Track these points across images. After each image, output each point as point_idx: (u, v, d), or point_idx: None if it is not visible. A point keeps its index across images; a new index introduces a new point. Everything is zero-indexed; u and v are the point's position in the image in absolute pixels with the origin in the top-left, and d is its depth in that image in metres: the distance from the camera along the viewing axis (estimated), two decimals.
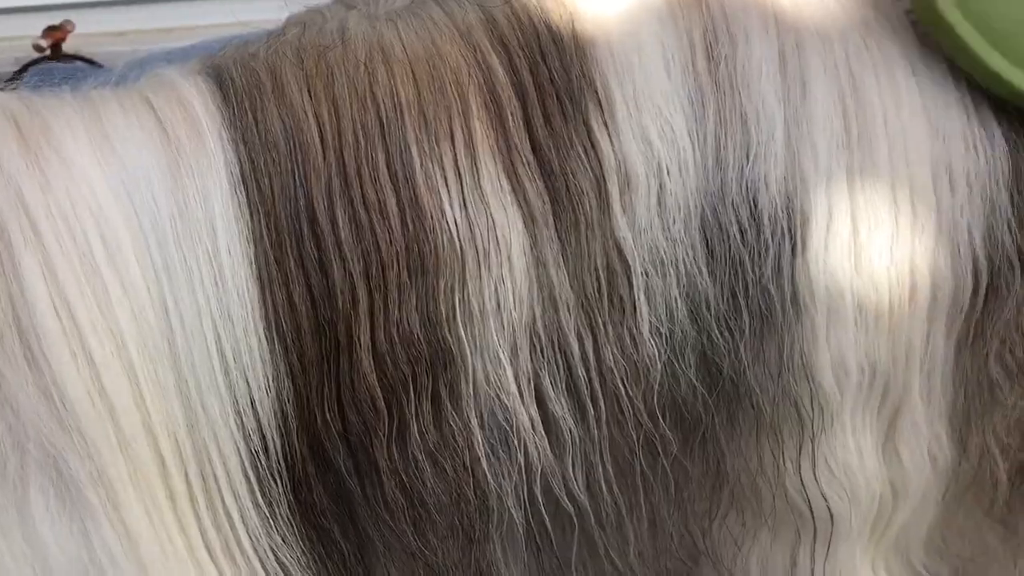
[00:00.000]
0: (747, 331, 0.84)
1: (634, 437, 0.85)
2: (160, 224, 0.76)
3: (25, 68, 1.43)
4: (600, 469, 0.86)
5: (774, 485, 0.90)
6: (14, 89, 0.87)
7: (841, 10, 0.84)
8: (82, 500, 0.74)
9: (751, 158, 0.83)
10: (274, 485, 0.79)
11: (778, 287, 0.84)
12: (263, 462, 0.78)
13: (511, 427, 0.82)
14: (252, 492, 0.78)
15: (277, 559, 0.79)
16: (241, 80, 0.81)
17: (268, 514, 0.79)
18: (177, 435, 0.76)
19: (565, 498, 0.85)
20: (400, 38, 0.82)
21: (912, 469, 0.88)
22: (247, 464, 0.78)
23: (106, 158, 0.78)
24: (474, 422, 0.82)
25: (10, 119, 0.79)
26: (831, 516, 0.90)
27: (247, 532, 0.78)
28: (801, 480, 0.89)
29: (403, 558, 0.83)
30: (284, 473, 0.79)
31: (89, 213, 0.76)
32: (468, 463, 0.82)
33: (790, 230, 0.83)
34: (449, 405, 0.81)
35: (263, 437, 0.78)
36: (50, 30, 1.46)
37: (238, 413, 0.77)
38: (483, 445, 0.82)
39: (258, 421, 0.78)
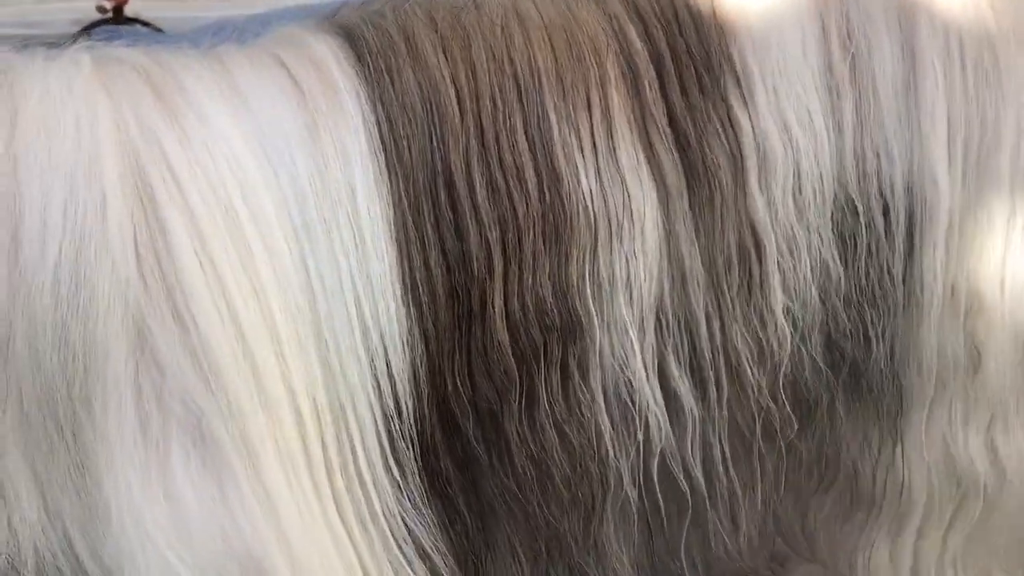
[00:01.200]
0: (871, 317, 0.85)
1: (754, 418, 0.85)
2: (299, 183, 0.76)
3: (86, 30, 1.41)
4: (718, 449, 0.86)
5: (875, 467, 0.91)
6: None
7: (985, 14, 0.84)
8: (223, 460, 0.73)
9: (883, 154, 0.83)
10: (406, 451, 0.78)
11: (902, 279, 0.85)
12: (396, 427, 0.78)
13: (633, 402, 0.82)
14: (385, 457, 0.78)
15: (406, 525, 0.78)
16: (375, 40, 0.80)
17: (399, 479, 0.78)
18: (316, 397, 0.75)
19: (682, 477, 0.85)
20: (535, 3, 0.82)
21: (1015, 464, 0.89)
22: (381, 428, 0.77)
23: (241, 115, 0.77)
24: (600, 395, 0.82)
25: (142, 74, 0.78)
26: (928, 500, 0.91)
27: (379, 497, 0.78)
28: (901, 464, 0.90)
29: (525, 529, 0.82)
30: (415, 439, 0.78)
31: (229, 170, 0.75)
32: (593, 436, 0.82)
33: (918, 226, 0.84)
34: (577, 376, 0.81)
35: (397, 401, 0.77)
36: None
37: (375, 376, 0.77)
38: (607, 419, 0.82)
39: (393, 385, 0.77)
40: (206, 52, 0.82)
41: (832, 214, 0.83)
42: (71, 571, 0.71)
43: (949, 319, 0.85)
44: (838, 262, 0.83)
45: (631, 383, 0.81)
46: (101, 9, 1.46)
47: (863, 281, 0.84)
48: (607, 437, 0.81)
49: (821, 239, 0.82)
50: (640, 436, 0.82)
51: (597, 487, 0.82)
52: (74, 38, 1.42)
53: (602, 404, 0.81)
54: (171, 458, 0.72)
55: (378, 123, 0.77)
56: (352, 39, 0.80)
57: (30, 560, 0.70)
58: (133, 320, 0.71)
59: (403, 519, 0.78)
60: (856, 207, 0.83)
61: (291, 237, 0.75)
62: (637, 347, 0.80)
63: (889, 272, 0.85)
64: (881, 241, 0.84)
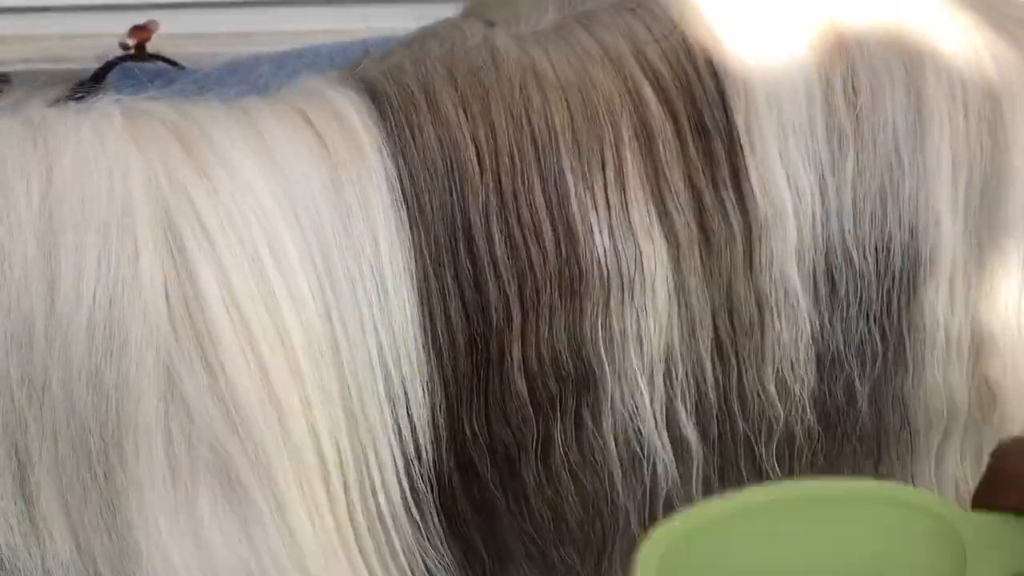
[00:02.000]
0: (868, 370, 0.88)
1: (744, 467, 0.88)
2: (323, 234, 0.78)
3: (110, 66, 1.44)
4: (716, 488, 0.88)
5: None
6: (91, 89, 0.88)
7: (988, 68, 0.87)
8: (249, 502, 0.76)
9: (885, 203, 0.86)
10: (425, 493, 0.81)
11: (906, 322, 0.87)
12: (416, 470, 0.80)
13: (642, 448, 0.85)
14: (404, 499, 0.80)
15: (426, 564, 0.81)
16: (396, 96, 0.83)
17: (419, 521, 0.81)
18: (339, 439, 0.78)
19: None
20: (552, 64, 0.84)
21: None
22: (401, 471, 0.80)
23: (267, 167, 0.79)
24: (611, 442, 0.84)
25: (171, 128, 0.80)
26: None
27: (399, 536, 0.81)
28: None
29: (541, 567, 0.85)
30: (434, 482, 0.81)
31: (256, 220, 0.78)
32: (605, 480, 0.84)
33: (922, 270, 0.87)
34: (591, 424, 0.83)
35: (417, 445, 0.80)
36: (136, 29, 1.47)
37: (395, 420, 0.79)
38: (618, 464, 0.85)
39: (413, 429, 0.80)
40: (232, 105, 0.84)
41: (829, 270, 0.85)
42: None
43: (956, 361, 0.88)
44: (837, 320, 0.86)
45: (640, 431, 0.84)
46: (124, 46, 1.50)
47: (862, 335, 0.86)
48: (618, 481, 0.84)
49: (822, 296, 0.85)
50: (647, 479, 0.85)
51: (609, 527, 0.85)
52: (97, 73, 1.46)
53: (614, 450, 0.84)
54: (199, 500, 0.75)
55: (400, 178, 0.80)
56: (374, 94, 0.83)
57: None
58: (164, 366, 0.74)
59: (423, 559, 0.81)
60: (864, 255, 0.86)
61: (315, 286, 0.78)
62: (647, 397, 0.83)
63: (892, 316, 0.87)
64: (885, 285, 0.86)
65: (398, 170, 0.80)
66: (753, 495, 0.75)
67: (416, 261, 0.80)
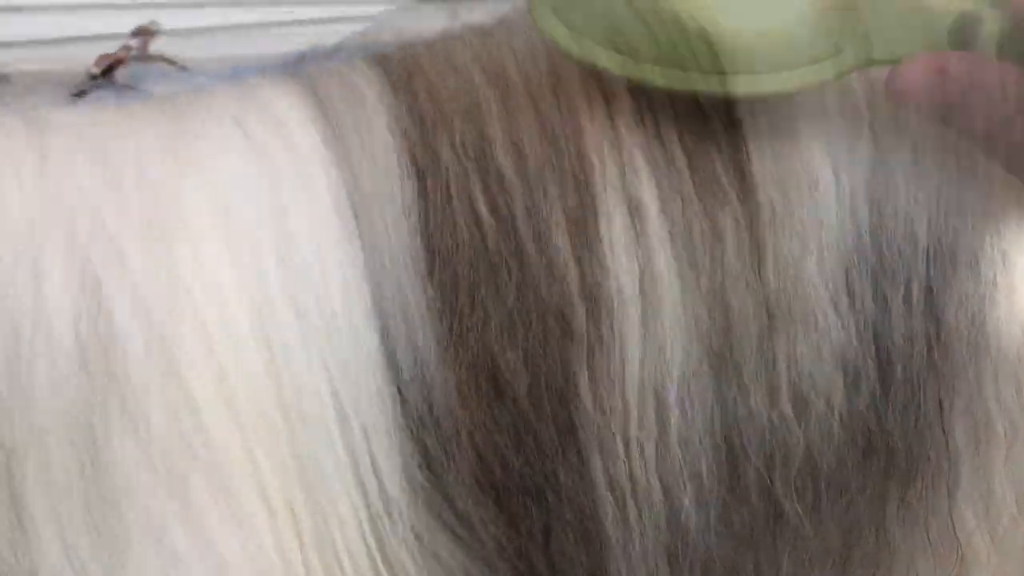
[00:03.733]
0: (893, 383, 0.77)
1: (759, 508, 0.77)
2: (261, 258, 0.70)
3: (112, 67, 1.44)
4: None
5: (908, 532, 0.81)
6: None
7: None
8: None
9: (909, 191, 0.76)
10: (397, 550, 0.71)
11: (931, 327, 0.77)
12: (385, 527, 0.71)
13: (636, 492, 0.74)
14: (373, 559, 0.71)
15: None
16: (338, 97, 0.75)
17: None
18: (292, 494, 0.69)
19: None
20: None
21: None
22: (368, 531, 0.71)
23: (196, 178, 0.71)
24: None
25: (84, 140, 0.72)
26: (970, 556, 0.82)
27: None
28: (939, 522, 0.81)
29: None
30: (409, 536, 0.72)
31: (182, 239, 0.69)
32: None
33: (951, 267, 0.77)
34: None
35: (386, 500, 0.71)
36: (139, 30, 1.48)
37: (358, 475, 0.70)
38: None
39: (380, 484, 0.71)
40: (163, 107, 0.76)
41: (846, 272, 0.76)
42: None
43: (1000, 365, 0.78)
44: (856, 327, 0.76)
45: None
46: (127, 47, 1.48)
47: (891, 327, 0.77)
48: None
49: (838, 301, 0.75)
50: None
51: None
52: (101, 73, 1.45)
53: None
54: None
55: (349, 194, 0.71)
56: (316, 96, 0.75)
57: None
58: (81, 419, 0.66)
59: None
60: (887, 249, 0.76)
61: (255, 318, 0.69)
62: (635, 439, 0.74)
63: (922, 316, 0.77)
64: (912, 282, 0.77)
65: (345, 185, 0.72)
66: None
67: (370, 283, 0.70)
